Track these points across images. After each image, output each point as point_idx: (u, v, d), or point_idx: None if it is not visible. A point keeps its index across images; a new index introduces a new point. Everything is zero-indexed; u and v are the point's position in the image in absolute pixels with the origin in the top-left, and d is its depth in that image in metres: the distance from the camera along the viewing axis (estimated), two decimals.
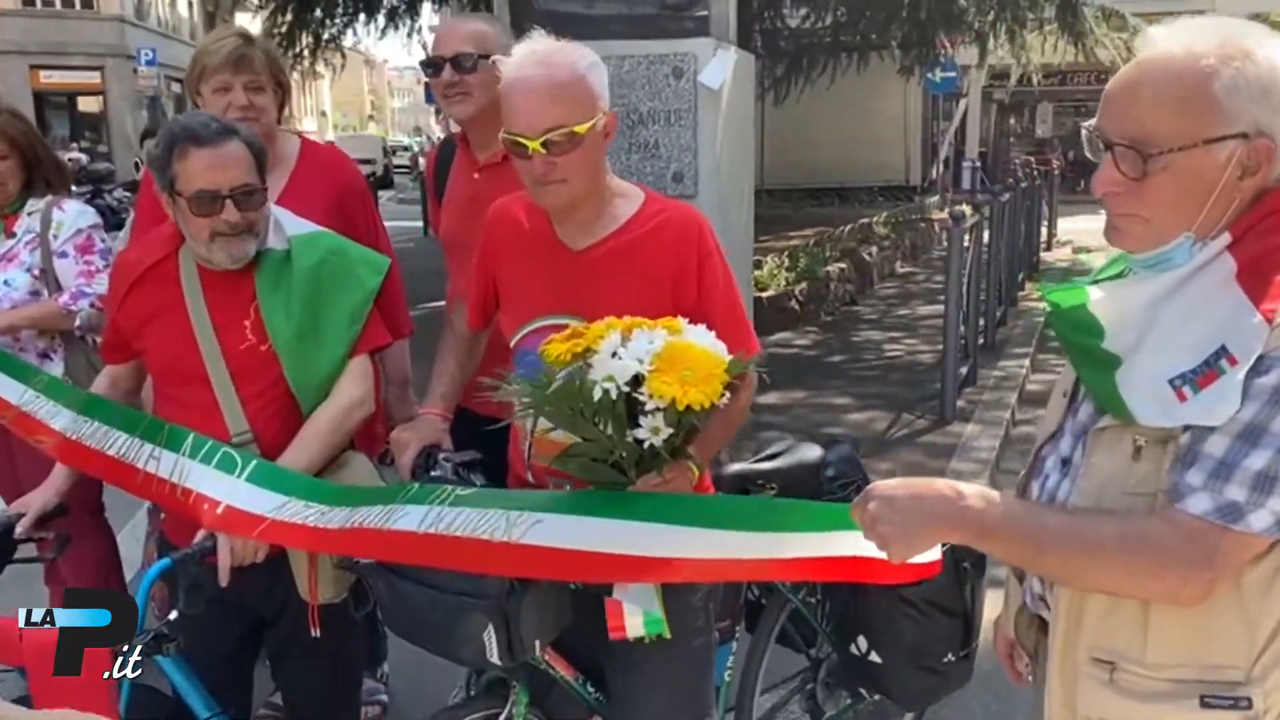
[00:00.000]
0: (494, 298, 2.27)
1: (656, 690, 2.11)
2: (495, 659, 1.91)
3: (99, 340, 3.27)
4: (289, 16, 12.30)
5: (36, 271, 3.15)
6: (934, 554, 1.93)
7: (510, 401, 1.89)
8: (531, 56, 1.97)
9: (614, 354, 1.78)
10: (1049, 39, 14.64)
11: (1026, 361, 7.98)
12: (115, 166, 24.00)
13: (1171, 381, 1.31)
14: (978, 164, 22.82)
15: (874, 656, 2.52)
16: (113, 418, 2.31)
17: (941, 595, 2.41)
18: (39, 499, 2.33)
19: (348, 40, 14.87)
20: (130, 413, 2.35)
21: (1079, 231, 17.09)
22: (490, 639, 1.91)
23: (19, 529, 2.28)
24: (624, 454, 1.83)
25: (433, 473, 2.13)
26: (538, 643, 1.97)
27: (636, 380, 1.75)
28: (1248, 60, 1.31)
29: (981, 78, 21.48)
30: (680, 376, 1.73)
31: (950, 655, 2.50)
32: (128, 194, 20.42)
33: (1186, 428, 1.32)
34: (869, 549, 1.53)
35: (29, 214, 3.18)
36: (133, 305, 2.29)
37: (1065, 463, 1.53)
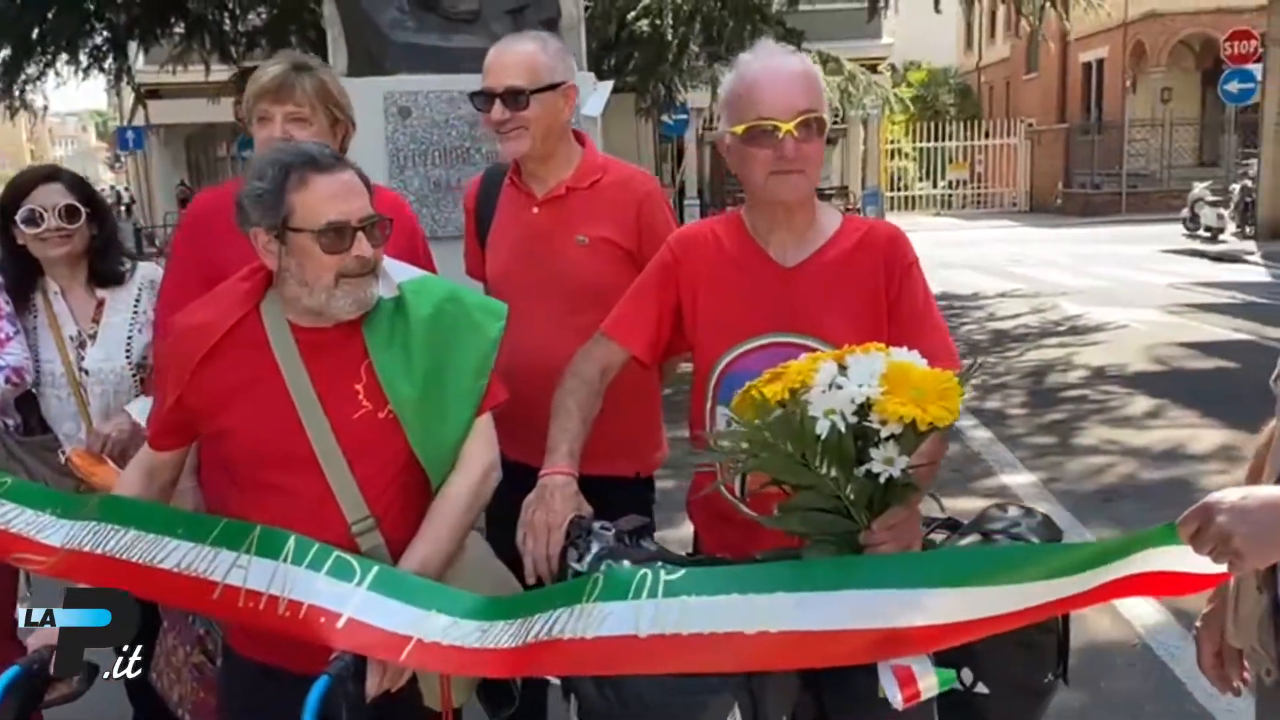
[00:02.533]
0: (670, 328, 2.15)
1: None
2: None
3: (10, 423, 2.70)
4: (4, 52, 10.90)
5: None
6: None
7: None
8: (778, 51, 2.05)
9: (833, 384, 1.63)
10: None
11: None
12: None
13: None
14: (697, 202, 23.87)
15: (980, 688, 2.44)
16: (162, 524, 1.86)
17: None
18: None
19: (51, 83, 13.48)
20: (193, 516, 1.92)
21: None
22: None
23: (54, 666, 1.76)
24: (852, 494, 1.66)
25: (594, 548, 1.80)
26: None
27: (862, 410, 1.60)
28: None
29: (701, 120, 22.38)
30: (913, 396, 1.60)
31: (1050, 675, 2.47)
32: None
33: None
34: (1160, 564, 1.56)
35: None
36: (208, 379, 1.87)
37: None
